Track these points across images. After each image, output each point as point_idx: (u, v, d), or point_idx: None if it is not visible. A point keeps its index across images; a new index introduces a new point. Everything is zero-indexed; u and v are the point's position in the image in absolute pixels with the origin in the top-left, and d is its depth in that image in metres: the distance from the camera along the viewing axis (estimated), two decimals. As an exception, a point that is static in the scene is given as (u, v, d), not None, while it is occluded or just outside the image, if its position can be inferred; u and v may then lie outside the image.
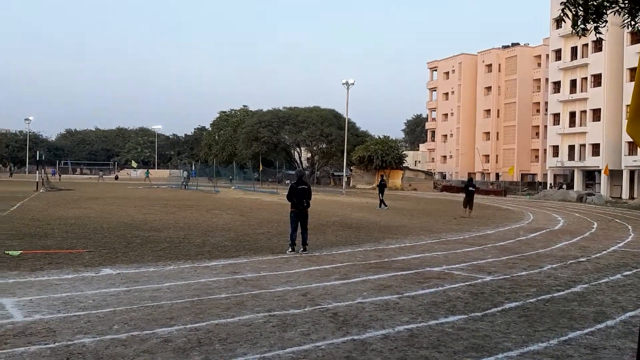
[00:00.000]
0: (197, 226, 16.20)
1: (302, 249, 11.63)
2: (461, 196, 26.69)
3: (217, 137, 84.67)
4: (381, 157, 60.35)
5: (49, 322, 5.98)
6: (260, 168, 61.40)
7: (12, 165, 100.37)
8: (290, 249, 11.53)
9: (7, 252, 10.51)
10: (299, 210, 11.71)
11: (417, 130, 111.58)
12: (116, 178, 73.47)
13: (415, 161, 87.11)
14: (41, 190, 35.50)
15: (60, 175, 70.53)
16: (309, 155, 75.54)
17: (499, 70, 75.95)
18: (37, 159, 51.54)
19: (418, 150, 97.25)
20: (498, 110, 75.98)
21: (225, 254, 11.10)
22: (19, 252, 10.52)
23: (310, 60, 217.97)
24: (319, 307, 6.95)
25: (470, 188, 23.30)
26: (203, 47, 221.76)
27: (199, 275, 8.85)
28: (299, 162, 76.06)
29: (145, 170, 76.68)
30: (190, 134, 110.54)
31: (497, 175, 73.85)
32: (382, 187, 27.81)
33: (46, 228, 14.73)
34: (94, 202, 25.79)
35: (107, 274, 8.75)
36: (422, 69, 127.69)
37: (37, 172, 42.46)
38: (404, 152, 69.46)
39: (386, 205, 26.59)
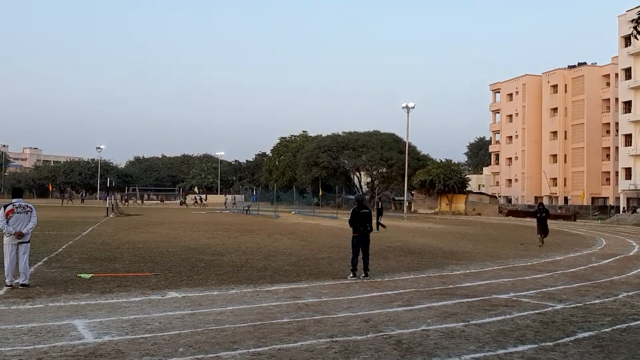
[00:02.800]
0: (259, 250, 16.36)
1: (363, 275, 11.48)
2: (529, 221, 25.65)
3: (277, 162, 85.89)
4: (443, 181, 59.31)
5: (118, 344, 6.13)
6: (320, 193, 61.67)
7: (84, 191, 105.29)
8: (351, 275, 11.41)
9: (79, 275, 10.94)
10: (362, 235, 11.61)
11: (480, 154, 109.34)
12: (181, 204, 75.58)
13: (479, 185, 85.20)
14: (111, 216, 36.96)
15: (127, 201, 73.33)
16: (369, 179, 75.23)
17: (565, 91, 73.60)
18: (108, 185, 53.87)
19: (482, 173, 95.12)
20: (565, 132, 73.44)
21: (287, 279, 11.12)
22: (90, 275, 10.93)
23: (370, 85, 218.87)
24: (382, 333, 6.81)
25: (540, 214, 21.24)
26: (262, 72, 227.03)
27: (261, 300, 8.88)
28: (358, 186, 75.87)
29: (183, 197, 78.60)
30: (251, 159, 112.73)
31: (566, 199, 71.08)
32: (380, 210, 28.01)
33: (115, 252, 15.26)
34: (160, 227, 26.58)
35: (172, 297, 8.93)
36: (484, 90, 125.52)
37: (107, 198, 44.30)
38: (467, 176, 68.08)
39: (383, 227, 26.62)
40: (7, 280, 9.51)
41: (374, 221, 25.46)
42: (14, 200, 9.80)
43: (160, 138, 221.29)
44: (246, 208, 48.82)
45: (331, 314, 7.91)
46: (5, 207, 9.63)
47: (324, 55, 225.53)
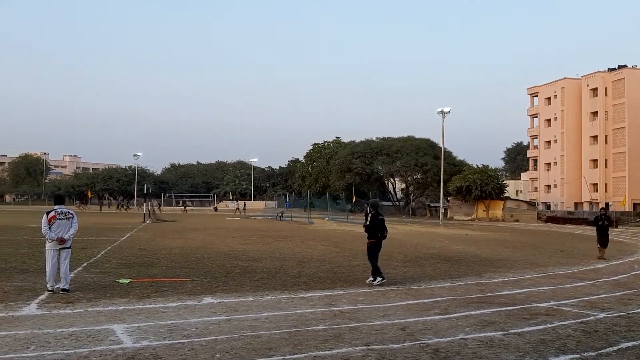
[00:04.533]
0: (293, 257, 16.38)
1: (371, 279, 11.52)
2: (569, 228, 24.68)
3: (310, 168, 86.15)
4: (480, 187, 58.39)
5: (156, 349, 6.19)
6: (354, 199, 61.51)
7: (122, 198, 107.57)
8: (381, 279, 11.42)
9: (117, 280, 11.13)
10: (379, 242, 11.77)
11: (517, 159, 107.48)
12: (215, 210, 76.46)
13: (517, 191, 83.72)
14: (148, 222, 37.60)
15: (158, 207, 74.39)
16: (404, 185, 74.72)
17: (606, 94, 71.73)
18: (145, 192, 54.89)
19: (519, 179, 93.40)
20: (606, 136, 71.52)
21: (321, 285, 11.09)
22: (128, 280, 11.11)
23: (404, 89, 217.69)
24: (419, 342, 6.71)
25: (602, 222, 18.72)
26: (294, 82, 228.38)
27: (296, 306, 8.87)
28: (392, 192, 75.47)
29: (214, 207, 79.29)
30: (285, 166, 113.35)
31: (607, 205, 69.16)
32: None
33: (152, 258, 15.49)
34: (195, 233, 26.91)
35: (208, 303, 9.00)
36: (521, 94, 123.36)
37: (145, 204, 45.13)
38: (505, 182, 66.89)
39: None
40: (48, 285, 9.74)
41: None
42: (56, 207, 10.03)
43: (195, 145, 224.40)
44: (279, 214, 49.05)
45: (367, 321, 7.84)
46: (48, 213, 9.87)
47: (356, 60, 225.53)
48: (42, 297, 9.22)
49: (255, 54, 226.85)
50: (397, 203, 73.80)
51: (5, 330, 6.91)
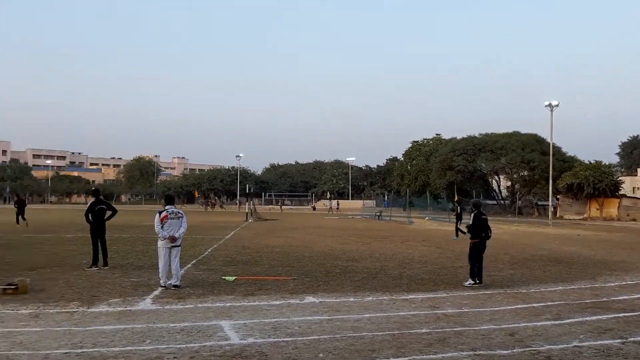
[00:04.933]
0: (393, 257, 16.21)
1: (478, 282, 11.16)
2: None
3: (409, 167, 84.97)
4: (593, 185, 54.73)
5: (261, 346, 6.34)
6: (456, 198, 59.89)
7: (226, 197, 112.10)
8: (471, 281, 11.16)
9: (223, 277, 11.55)
10: (483, 242, 11.43)
11: (634, 154, 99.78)
12: (313, 209, 77.53)
13: (634, 188, 77.62)
14: (250, 220, 38.85)
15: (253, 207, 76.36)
16: (509, 183, 71.72)
17: None
18: (247, 191, 56.82)
19: (636, 175, 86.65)
20: None
21: (424, 287, 10.86)
22: (234, 277, 11.49)
23: (508, 82, 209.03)
24: (529, 348, 6.37)
25: None
26: (391, 79, 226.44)
27: (398, 308, 8.75)
28: (497, 191, 72.69)
29: (313, 206, 79.71)
30: (382, 164, 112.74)
31: None
32: (459, 215, 24.85)
33: (255, 256, 15.94)
34: (295, 232, 27.42)
35: (310, 302, 9.10)
36: (635, 86, 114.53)
37: (247, 203, 46.70)
38: (620, 178, 62.26)
39: (457, 236, 23.64)
40: (161, 282, 10.29)
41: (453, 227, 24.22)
42: (167, 207, 10.58)
43: (293, 145, 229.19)
44: (378, 214, 48.85)
45: (472, 325, 7.58)
46: (160, 213, 10.43)
47: (458, 54, 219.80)
48: (156, 292, 9.76)
49: (354, 53, 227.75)
50: (502, 202, 70.95)
51: (124, 323, 7.38)
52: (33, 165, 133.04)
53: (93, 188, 18.91)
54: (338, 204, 72.87)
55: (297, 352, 6.14)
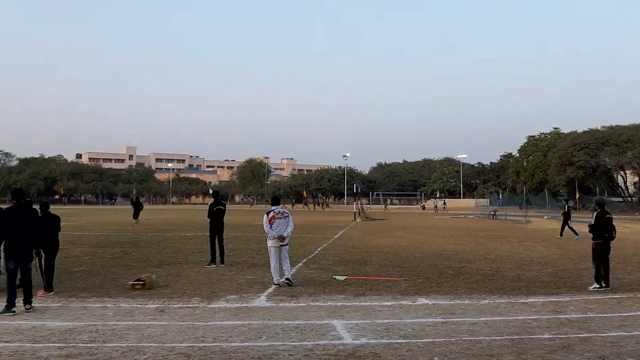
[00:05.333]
0: (510, 258, 15.48)
1: (605, 285, 10.44)
2: None
3: (525, 163, 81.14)
4: None
5: (374, 347, 6.28)
6: (577, 195, 56.31)
7: (333, 197, 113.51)
8: (596, 285, 10.42)
9: (334, 276, 11.64)
10: (607, 243, 10.66)
11: None
12: (423, 208, 76.24)
13: None
14: (358, 220, 38.96)
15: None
16: (636, 179, 66.19)
17: None
18: (354, 191, 57.07)
19: None
20: None
21: (544, 290, 10.26)
22: (344, 277, 11.54)
23: (635, 70, 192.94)
24: (668, 361, 5.79)
25: None
26: (503, 71, 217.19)
27: (516, 312, 8.32)
28: (623, 187, 67.35)
29: (422, 205, 77.67)
30: (496, 161, 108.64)
31: None
32: (567, 214, 23.74)
33: (365, 255, 15.91)
34: (405, 232, 27.09)
35: (423, 304, 8.90)
36: None
37: (354, 202, 46.92)
38: None
39: (561, 235, 23.18)
40: (274, 280, 10.57)
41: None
42: (273, 208, 10.91)
43: (400, 143, 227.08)
44: (492, 213, 47.03)
45: (600, 332, 7.04)
46: (268, 213, 10.77)
47: (576, 42, 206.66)
48: (270, 290, 10.03)
49: (462, 45, 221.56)
50: (629, 199, 65.65)
51: (241, 319, 7.65)
52: (156, 168, 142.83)
53: (212, 190, 19.94)
54: (445, 202, 71.02)
55: (411, 354, 6.02)
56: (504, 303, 9.03)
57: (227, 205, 14.35)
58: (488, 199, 76.91)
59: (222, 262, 13.46)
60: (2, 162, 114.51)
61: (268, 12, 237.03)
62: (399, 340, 6.58)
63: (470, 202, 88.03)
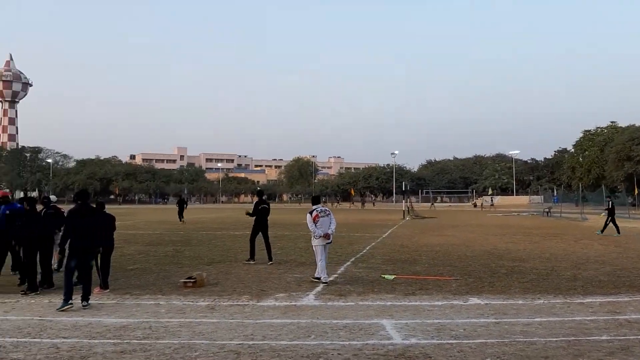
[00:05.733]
0: (565, 257, 14.97)
1: None
2: None
3: (581, 158, 78.59)
4: None
5: (425, 347, 6.19)
6: (635, 191, 54.06)
7: (382, 195, 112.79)
8: None
9: (383, 275, 11.54)
10: None
11: None
12: (474, 206, 74.83)
13: None
14: (407, 218, 38.57)
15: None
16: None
17: None
18: (403, 189, 56.53)
19: None
20: None
21: (602, 290, 9.87)
22: (393, 276, 11.42)
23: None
24: None
25: None
26: (557, 63, 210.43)
27: (572, 313, 8.03)
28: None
29: (473, 202, 76.00)
30: (550, 157, 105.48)
31: None
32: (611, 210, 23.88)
33: (414, 254, 15.71)
34: (455, 230, 26.63)
35: (475, 304, 8.71)
36: None
37: (403, 201, 46.46)
38: None
39: (602, 232, 23.38)
40: (322, 278, 10.59)
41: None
42: (314, 207, 11.07)
43: (451, 140, 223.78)
44: (546, 210, 45.67)
45: (663, 334, 6.71)
46: (311, 212, 10.92)
47: (632, 35, 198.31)
48: (318, 289, 10.02)
49: (518, 40, 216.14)
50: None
51: (290, 318, 7.68)
52: (206, 168, 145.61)
53: (258, 189, 20.24)
54: (492, 200, 69.38)
55: (462, 355, 5.89)
56: (559, 303, 8.73)
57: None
58: (542, 196, 74.81)
59: (269, 259, 13.55)
60: (60, 163, 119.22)
61: (344, 10, 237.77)
62: (450, 341, 6.45)
63: (523, 199, 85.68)
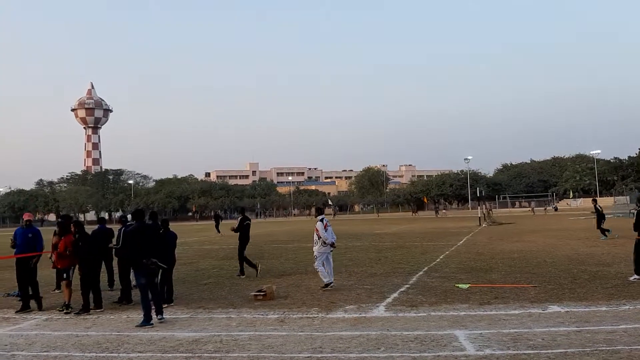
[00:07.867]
0: (655, 260, 13.97)
1: None
2: None
3: (669, 155, 73.71)
4: None
5: (500, 358, 5.92)
6: None
7: (457, 202, 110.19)
8: None
9: (457, 285, 11.19)
10: None
11: None
12: (555, 209, 71.73)
13: None
14: (483, 225, 37.42)
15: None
16: None
17: None
18: (478, 195, 54.98)
19: None
20: None
21: (697, 295, 9.13)
22: (468, 285, 11.05)
23: None
24: None
25: None
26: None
27: (662, 320, 7.46)
28: None
29: (554, 206, 72.68)
30: (635, 155, 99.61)
31: None
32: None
33: (490, 262, 15.17)
34: (535, 235, 25.55)
35: (554, 312, 8.27)
36: None
37: (479, 207, 45.15)
38: None
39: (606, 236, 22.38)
40: (326, 281, 11.22)
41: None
42: (320, 217, 11.56)
43: (527, 142, 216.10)
44: (633, 211, 43.06)
45: None
46: (322, 221, 11.42)
47: None
48: (389, 300, 9.85)
49: (599, 37, 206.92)
50: None
51: (359, 330, 7.57)
52: (277, 182, 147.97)
53: (240, 207, 20.59)
54: (556, 207, 66.46)
55: (540, 367, 5.58)
56: (648, 310, 8.15)
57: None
58: (628, 197, 70.61)
59: (241, 272, 14.22)
60: (140, 184, 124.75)
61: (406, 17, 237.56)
62: (527, 351, 6.13)
63: (607, 201, 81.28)
